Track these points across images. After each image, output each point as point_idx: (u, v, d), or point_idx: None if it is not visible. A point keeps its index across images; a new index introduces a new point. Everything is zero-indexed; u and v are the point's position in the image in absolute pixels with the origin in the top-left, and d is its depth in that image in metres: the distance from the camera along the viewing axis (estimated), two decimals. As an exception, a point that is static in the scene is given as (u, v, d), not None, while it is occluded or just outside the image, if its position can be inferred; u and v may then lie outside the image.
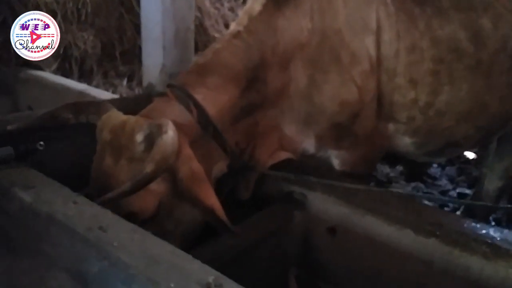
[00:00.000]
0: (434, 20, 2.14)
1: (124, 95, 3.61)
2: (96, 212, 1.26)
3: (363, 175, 2.28)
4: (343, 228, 1.86)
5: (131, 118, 1.61)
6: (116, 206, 1.48)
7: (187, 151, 1.60)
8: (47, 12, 3.38)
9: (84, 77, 3.66)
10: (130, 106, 2.07)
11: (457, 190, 3.51)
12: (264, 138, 2.06)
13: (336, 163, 2.23)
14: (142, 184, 1.40)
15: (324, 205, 1.91)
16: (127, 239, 1.15)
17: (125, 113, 1.72)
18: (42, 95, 3.13)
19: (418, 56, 2.12)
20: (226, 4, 4.39)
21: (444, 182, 3.64)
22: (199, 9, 4.09)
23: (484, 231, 1.64)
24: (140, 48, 2.72)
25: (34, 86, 3.19)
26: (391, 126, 2.23)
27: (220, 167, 1.87)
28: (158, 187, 1.55)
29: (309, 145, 2.15)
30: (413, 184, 3.59)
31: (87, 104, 1.71)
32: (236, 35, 1.94)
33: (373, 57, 2.08)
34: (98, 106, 1.69)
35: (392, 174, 3.69)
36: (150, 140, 1.50)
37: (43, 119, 1.68)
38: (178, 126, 1.56)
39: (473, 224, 1.69)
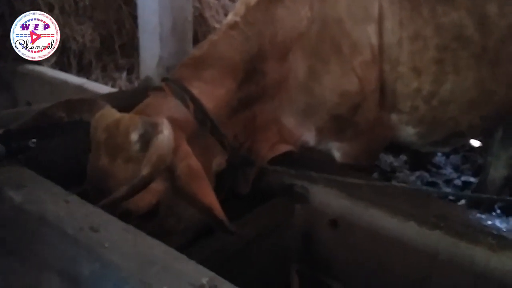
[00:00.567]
0: (438, 7, 2.08)
1: (124, 88, 3.57)
2: (88, 212, 1.23)
3: (366, 166, 2.24)
4: (346, 221, 1.83)
5: (125, 116, 1.56)
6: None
7: (185, 147, 1.57)
8: (44, 6, 3.38)
9: (83, 71, 3.63)
10: (127, 100, 2.03)
11: (462, 179, 3.45)
12: (264, 131, 2.02)
13: (337, 155, 2.19)
14: (139, 187, 1.37)
15: (326, 198, 1.88)
16: (119, 239, 1.12)
17: (123, 107, 1.68)
18: (40, 90, 3.10)
19: (422, 44, 2.07)
20: (226, -6, 4.34)
21: (448, 171, 3.58)
22: (198, -1, 4.05)
23: (489, 222, 1.62)
24: (139, 40, 2.67)
25: (33, 81, 3.17)
26: (394, 116, 2.18)
27: (219, 161, 1.83)
28: (156, 185, 1.51)
29: (309, 137, 2.11)
30: (417, 173, 3.54)
31: (80, 101, 1.67)
32: (233, 26, 1.90)
33: (375, 46, 2.03)
34: (91, 103, 1.64)
35: (396, 164, 3.64)
36: (146, 139, 1.46)
37: (35, 119, 1.63)
38: (175, 122, 1.53)
39: (479, 215, 1.67)
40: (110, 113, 1.60)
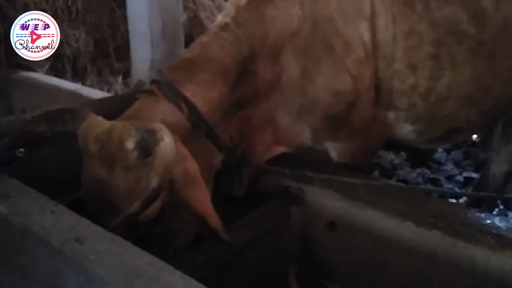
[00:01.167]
0: (432, 1, 2.04)
1: (120, 92, 3.54)
2: (74, 223, 1.20)
3: (363, 166, 2.20)
4: (343, 223, 1.81)
5: (117, 125, 1.52)
6: (117, 215, 1.41)
7: (181, 150, 1.53)
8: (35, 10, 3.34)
9: (78, 76, 3.60)
10: (119, 105, 2.01)
11: (464, 175, 3.42)
12: (258, 133, 1.99)
13: (334, 155, 2.16)
14: (151, 200, 1.33)
15: (322, 199, 1.86)
16: (105, 251, 1.09)
17: (115, 113, 1.65)
18: (35, 97, 3.08)
19: (417, 40, 2.03)
20: (221, -5, 4.31)
21: (450, 167, 3.55)
22: (193, 1, 4.01)
23: (489, 221, 1.59)
24: (132, 43, 2.66)
25: (27, 88, 3.15)
26: (391, 114, 2.15)
27: (216, 163, 1.80)
28: None
29: (304, 137, 2.08)
30: (418, 170, 3.51)
31: (59, 112, 1.60)
32: (224, 27, 1.87)
33: (368, 44, 2.00)
34: (74, 112, 1.58)
35: (396, 161, 3.61)
36: (143, 146, 1.42)
37: (17, 138, 1.58)
38: (169, 126, 1.49)
39: (477, 214, 1.64)
40: (98, 122, 1.55)
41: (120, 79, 3.67)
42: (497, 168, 2.84)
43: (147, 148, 1.41)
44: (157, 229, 1.42)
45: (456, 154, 3.64)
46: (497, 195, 2.36)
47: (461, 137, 2.55)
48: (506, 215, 2.77)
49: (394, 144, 3.22)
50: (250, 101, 1.91)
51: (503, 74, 2.14)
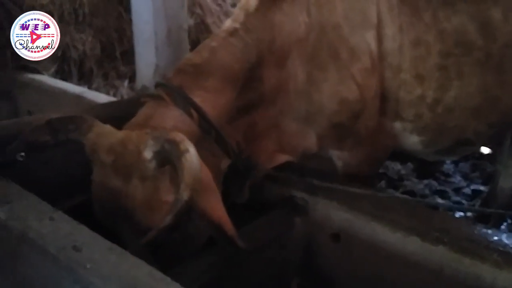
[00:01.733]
0: (440, 12, 2.02)
1: (126, 96, 3.53)
2: (72, 230, 1.18)
3: (368, 175, 2.18)
4: (347, 235, 1.79)
5: (131, 135, 1.50)
6: (134, 225, 1.43)
7: None
8: (43, 14, 3.35)
9: (84, 79, 3.60)
10: (123, 110, 2.00)
11: (471, 187, 3.37)
12: (262, 140, 1.98)
13: (338, 164, 2.14)
14: (183, 213, 1.32)
15: (327, 210, 1.84)
16: (102, 260, 1.07)
17: (118, 118, 1.63)
18: (40, 99, 3.08)
19: (424, 50, 2.02)
20: (229, 0, 4.29)
21: (457, 179, 3.50)
22: (200, 6, 4.01)
23: (495, 238, 1.56)
24: (139, 48, 2.65)
25: (33, 90, 3.16)
26: (397, 124, 2.13)
27: (223, 169, 1.79)
28: (172, 196, 1.44)
29: (310, 144, 2.06)
30: (425, 182, 3.46)
31: (63, 120, 1.58)
32: (233, 32, 1.86)
33: (374, 53, 1.98)
34: (78, 121, 1.57)
35: (403, 172, 3.57)
36: (162, 156, 1.42)
37: (18, 148, 1.55)
38: (181, 133, 1.48)
39: (484, 230, 1.61)
40: (109, 132, 1.54)
41: (126, 83, 3.66)
42: (506, 182, 2.79)
43: (164, 158, 1.41)
44: (175, 236, 1.40)
45: (464, 166, 3.59)
46: (505, 211, 2.31)
47: (469, 149, 2.52)
48: (506, 232, 2.71)
49: (401, 155, 3.18)
50: (255, 106, 1.90)
51: (511, 85, 2.11)
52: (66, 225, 1.22)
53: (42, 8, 3.28)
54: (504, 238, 1.54)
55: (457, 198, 3.30)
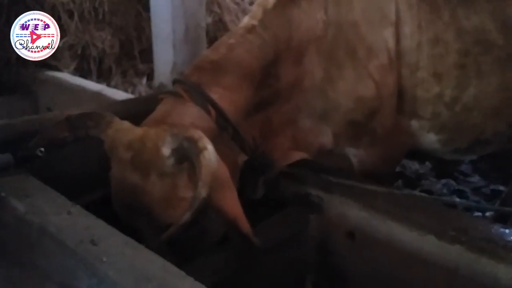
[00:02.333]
0: (459, 10, 2.01)
1: (144, 94, 3.57)
2: (90, 224, 1.21)
3: (385, 174, 2.16)
4: (362, 233, 1.78)
5: (150, 131, 1.52)
6: (152, 221, 1.45)
7: None
8: (63, 13, 3.41)
9: (103, 76, 3.64)
10: (141, 107, 2.03)
11: (491, 187, 3.32)
12: (278, 136, 1.98)
13: (354, 162, 2.13)
14: (201, 210, 1.34)
15: (342, 208, 1.83)
16: (118, 253, 1.09)
17: (136, 115, 1.65)
18: (60, 96, 3.13)
19: (443, 48, 2.00)
20: (247, -1, 4.31)
21: (476, 179, 3.45)
22: (218, 4, 4.02)
23: (513, 238, 1.52)
24: (157, 45, 2.67)
25: (52, 87, 3.21)
26: (414, 123, 2.11)
27: (239, 165, 1.79)
28: (190, 192, 1.46)
29: (326, 141, 2.05)
30: (443, 181, 3.42)
31: (82, 117, 1.61)
32: (251, 29, 1.86)
33: (392, 51, 1.97)
34: (97, 118, 1.59)
35: (421, 171, 3.53)
36: (180, 153, 1.44)
37: (38, 143, 1.58)
38: (198, 129, 1.50)
39: (502, 229, 1.59)
40: (128, 128, 1.55)
41: (144, 80, 3.69)
42: (525, 181, 2.76)
43: (183, 154, 1.42)
44: (191, 232, 1.42)
45: (484, 165, 3.54)
46: None
47: (488, 148, 2.49)
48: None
49: (419, 154, 3.16)
50: (271, 103, 1.90)
51: None
52: (84, 219, 1.24)
53: (62, 6, 3.33)
54: (522, 237, 1.52)
55: (476, 198, 3.26)
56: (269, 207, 1.91)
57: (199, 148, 1.37)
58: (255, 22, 1.86)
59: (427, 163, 3.61)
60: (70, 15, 3.44)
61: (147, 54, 3.69)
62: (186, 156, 1.43)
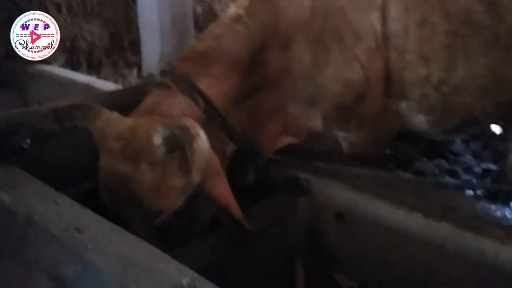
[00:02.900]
0: None
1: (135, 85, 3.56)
2: (75, 213, 1.22)
3: (374, 156, 2.18)
4: (351, 214, 1.79)
5: (141, 121, 1.54)
6: (142, 209, 1.47)
7: None
8: (51, 6, 3.40)
9: (93, 69, 3.64)
10: (129, 97, 2.03)
11: (482, 166, 3.34)
12: (267, 123, 1.99)
13: (344, 145, 2.15)
14: (194, 195, 1.36)
15: (330, 190, 1.84)
16: (104, 241, 1.10)
17: (124, 105, 1.66)
18: (50, 89, 3.12)
19: (430, 30, 2.01)
20: (235, -14, 4.27)
21: (468, 158, 3.46)
22: (207, -6, 4.01)
23: (498, 213, 1.55)
24: (147, 36, 2.66)
25: (42, 81, 3.19)
26: (403, 105, 2.13)
27: (228, 154, 1.81)
28: (180, 181, 1.49)
29: (316, 124, 2.07)
30: (435, 162, 3.43)
31: (69, 108, 1.60)
32: (237, 18, 1.86)
33: (379, 34, 1.99)
34: (84, 109, 1.59)
35: (412, 152, 3.55)
36: (170, 142, 1.46)
37: (25, 135, 1.58)
38: None
39: (487, 206, 1.60)
40: (118, 119, 1.57)
41: (135, 72, 3.69)
42: (515, 158, 2.78)
43: (174, 143, 1.44)
44: (180, 220, 1.43)
45: (475, 145, 3.55)
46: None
47: (478, 128, 2.51)
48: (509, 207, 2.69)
49: (411, 135, 3.17)
50: (260, 90, 1.91)
51: None
52: (70, 208, 1.25)
53: (50, 0, 3.32)
54: (508, 213, 1.53)
55: (468, 177, 3.28)
56: (259, 192, 1.92)
57: (192, 135, 1.38)
58: (241, 11, 1.86)
59: (418, 144, 3.62)
60: (58, 8, 3.43)
61: (137, 45, 3.66)
62: (178, 144, 1.44)
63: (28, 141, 1.54)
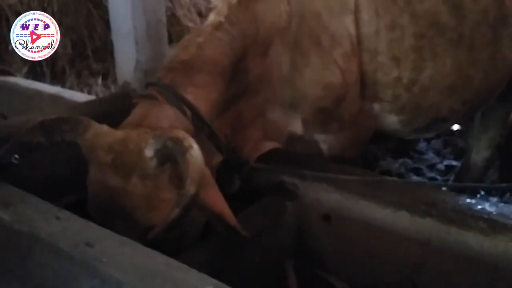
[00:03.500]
0: None
1: (100, 94, 3.50)
2: (81, 227, 1.20)
3: (353, 158, 2.24)
4: (338, 215, 1.83)
5: (132, 133, 1.52)
6: (132, 223, 1.45)
7: None
8: (11, 14, 3.28)
9: (57, 78, 3.54)
10: (107, 107, 2.00)
11: (445, 163, 3.49)
12: (249, 129, 2.01)
13: (324, 147, 2.19)
14: (189, 207, 1.34)
15: (316, 193, 1.87)
16: (117, 253, 1.09)
17: (102, 115, 1.63)
18: (14, 102, 3.00)
19: (399, 33, 2.09)
20: (198, -7, 4.28)
21: (431, 156, 3.61)
22: (170, -1, 3.99)
23: (480, 207, 1.62)
24: (112, 44, 2.61)
25: (6, 93, 3.07)
26: (376, 106, 2.20)
27: (215, 164, 1.82)
28: (171, 194, 1.48)
29: (296, 128, 2.10)
30: (400, 161, 3.56)
31: (57, 121, 1.57)
32: (218, 26, 1.86)
33: (353, 37, 2.04)
34: (73, 122, 1.57)
35: (378, 152, 3.66)
36: (162, 154, 1.44)
37: (12, 150, 1.54)
38: None
39: (468, 200, 1.68)
40: (107, 132, 1.55)
41: (99, 80, 3.62)
42: (478, 155, 2.93)
43: (165, 155, 1.43)
44: (173, 233, 1.43)
45: (436, 143, 3.70)
46: (493, 186, 2.42)
47: (445, 126, 2.63)
48: (488, 200, 2.84)
49: (376, 136, 3.27)
50: (241, 97, 1.93)
51: (482, 64, 2.22)
52: (74, 223, 1.23)
53: (10, 8, 3.20)
54: (488, 206, 1.62)
55: (432, 174, 3.42)
56: (246, 198, 1.94)
57: (185, 147, 1.38)
58: (221, 19, 1.87)
59: (383, 144, 3.73)
60: (17, 16, 3.30)
61: (100, 53, 3.62)
62: (169, 156, 1.44)
63: (17, 156, 1.49)
